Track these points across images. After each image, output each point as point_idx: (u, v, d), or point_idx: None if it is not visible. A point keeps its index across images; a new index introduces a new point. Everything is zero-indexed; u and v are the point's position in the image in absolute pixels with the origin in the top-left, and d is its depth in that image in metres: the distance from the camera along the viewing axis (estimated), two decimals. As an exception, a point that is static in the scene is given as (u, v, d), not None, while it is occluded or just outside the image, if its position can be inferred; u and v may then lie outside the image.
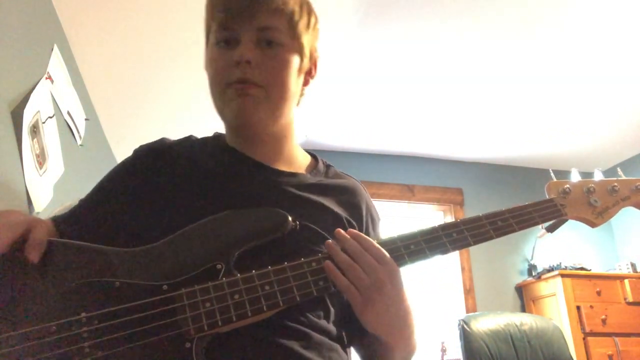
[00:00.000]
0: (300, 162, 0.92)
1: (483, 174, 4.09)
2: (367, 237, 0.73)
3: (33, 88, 1.13)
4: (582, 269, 3.47)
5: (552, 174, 0.94)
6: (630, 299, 3.24)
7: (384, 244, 0.73)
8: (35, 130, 1.12)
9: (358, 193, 0.90)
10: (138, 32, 1.82)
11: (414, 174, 3.96)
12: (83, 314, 0.60)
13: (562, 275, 3.27)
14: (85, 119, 1.73)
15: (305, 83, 0.90)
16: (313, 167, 0.92)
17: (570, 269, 3.41)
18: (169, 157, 0.85)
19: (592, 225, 0.90)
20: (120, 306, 0.61)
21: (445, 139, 3.77)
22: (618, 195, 0.91)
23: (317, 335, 0.73)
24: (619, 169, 0.96)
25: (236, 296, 0.64)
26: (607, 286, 3.29)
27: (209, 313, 0.62)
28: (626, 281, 3.31)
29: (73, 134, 1.57)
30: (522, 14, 2.42)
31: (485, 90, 3.10)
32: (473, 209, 3.91)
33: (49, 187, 1.22)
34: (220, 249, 0.68)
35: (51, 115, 1.28)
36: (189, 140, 0.91)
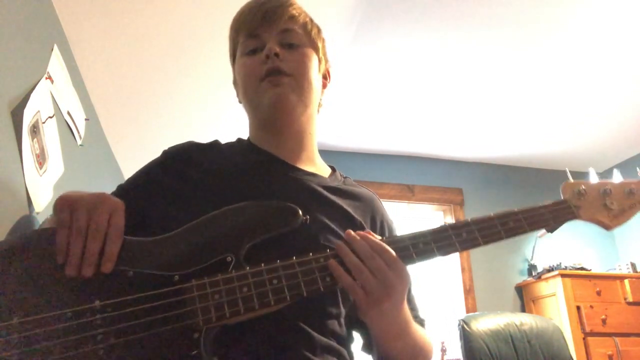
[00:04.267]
0: (319, 167, 0.96)
1: (483, 174, 4.09)
2: (376, 239, 0.72)
3: (33, 88, 1.13)
4: (582, 269, 3.47)
5: (569, 175, 0.92)
6: (630, 299, 3.24)
7: (392, 242, 0.73)
8: (35, 130, 1.12)
9: (373, 202, 0.93)
10: (138, 32, 1.82)
11: (414, 174, 3.96)
12: (97, 302, 0.62)
13: (562, 275, 3.27)
14: (85, 119, 1.73)
15: (323, 86, 0.99)
16: (331, 175, 0.95)
17: (570, 269, 3.41)
18: (198, 159, 0.88)
19: (607, 227, 0.88)
20: (133, 295, 0.63)
21: (445, 139, 3.77)
22: (635, 197, 0.88)
23: (323, 339, 0.73)
24: (638, 169, 0.94)
25: (245, 289, 0.65)
26: (607, 286, 3.28)
27: (217, 305, 0.64)
28: (626, 281, 3.31)
29: (73, 134, 1.57)
30: (521, 16, 2.42)
31: (485, 90, 3.10)
32: (473, 209, 3.91)
33: (49, 187, 1.22)
34: (231, 241, 0.69)
35: (51, 115, 1.28)
36: (216, 144, 0.95)
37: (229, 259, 0.67)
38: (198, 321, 0.63)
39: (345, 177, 0.98)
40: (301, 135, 0.92)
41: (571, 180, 0.90)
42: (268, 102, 0.86)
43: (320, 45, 0.96)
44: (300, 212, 0.72)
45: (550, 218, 0.83)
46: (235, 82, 0.98)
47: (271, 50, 0.86)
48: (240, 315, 0.64)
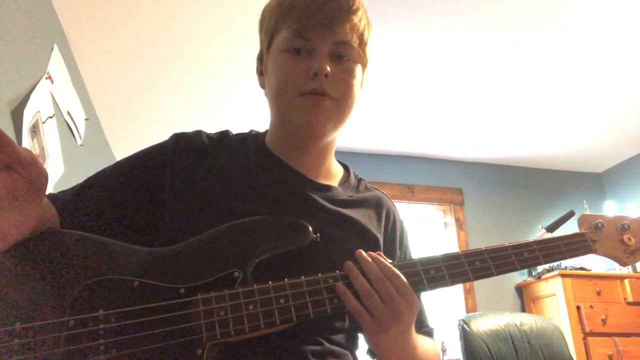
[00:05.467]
0: (335, 175, 0.93)
1: (483, 174, 4.09)
2: (387, 262, 0.71)
3: (33, 88, 1.13)
4: (582, 268, 3.47)
5: (586, 206, 0.93)
6: (630, 299, 3.24)
7: (403, 267, 0.71)
8: (35, 130, 1.12)
9: (387, 207, 0.92)
10: (138, 32, 1.82)
11: (414, 174, 3.96)
12: (101, 311, 0.60)
13: (562, 275, 3.26)
14: (85, 119, 1.73)
15: None
16: (345, 181, 0.93)
17: (570, 269, 3.40)
18: (210, 153, 0.83)
19: (623, 264, 0.88)
20: (137, 306, 0.62)
21: (445, 139, 3.77)
22: None
23: (328, 345, 0.73)
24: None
25: (251, 307, 0.64)
26: (607, 286, 3.28)
27: (222, 322, 0.62)
28: (626, 281, 3.30)
29: (73, 134, 1.57)
30: (522, 16, 2.42)
31: (486, 90, 3.10)
32: (473, 209, 3.91)
33: (49, 187, 1.22)
34: (239, 256, 0.68)
35: (51, 115, 1.28)
36: (227, 137, 0.89)
37: (236, 274, 0.66)
38: (202, 337, 0.61)
39: (359, 180, 0.95)
40: (320, 153, 0.89)
41: (588, 211, 0.90)
42: (301, 121, 0.80)
43: (368, 55, 0.87)
44: (310, 229, 0.70)
45: (565, 250, 0.82)
46: (262, 69, 0.88)
47: (323, 70, 0.76)
48: (245, 334, 0.63)
